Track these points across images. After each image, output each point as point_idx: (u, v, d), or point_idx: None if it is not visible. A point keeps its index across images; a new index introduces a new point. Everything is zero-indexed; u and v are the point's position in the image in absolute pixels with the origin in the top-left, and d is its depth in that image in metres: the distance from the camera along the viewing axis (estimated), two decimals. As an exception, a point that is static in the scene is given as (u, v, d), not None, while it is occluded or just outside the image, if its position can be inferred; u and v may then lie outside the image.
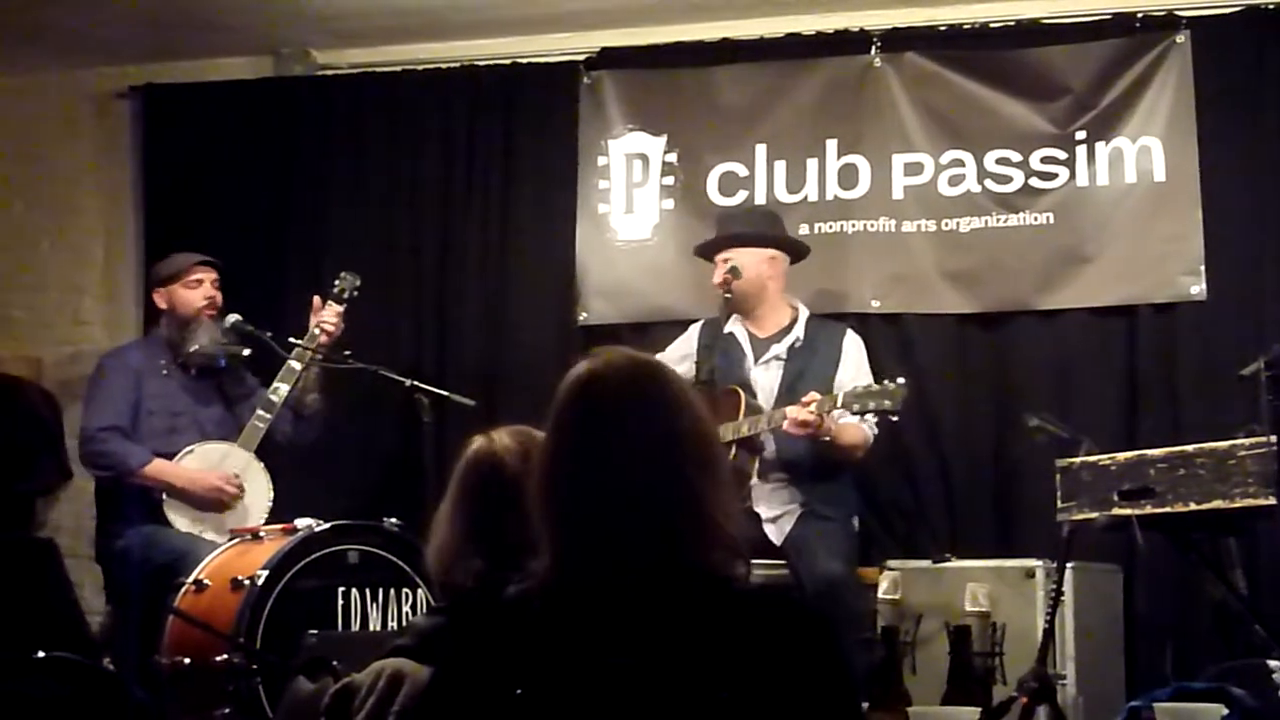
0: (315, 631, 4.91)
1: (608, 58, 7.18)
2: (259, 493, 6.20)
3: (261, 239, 7.37)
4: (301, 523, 5.56)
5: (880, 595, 5.85)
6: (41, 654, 4.36)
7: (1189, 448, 4.77)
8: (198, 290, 6.38)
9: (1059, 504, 5.04)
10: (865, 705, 4.94)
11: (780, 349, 6.19)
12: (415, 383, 6.12)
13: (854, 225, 6.80)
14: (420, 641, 3.04)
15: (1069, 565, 5.38)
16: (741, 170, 6.96)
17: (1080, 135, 6.62)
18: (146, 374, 6.29)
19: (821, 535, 5.88)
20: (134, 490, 6.08)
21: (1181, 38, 6.55)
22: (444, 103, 7.36)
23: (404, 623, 5.43)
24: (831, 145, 6.88)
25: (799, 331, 6.22)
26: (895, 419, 5.84)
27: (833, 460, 6.00)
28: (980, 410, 6.70)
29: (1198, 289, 6.44)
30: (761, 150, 6.95)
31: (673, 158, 7.06)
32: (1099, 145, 6.59)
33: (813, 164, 6.89)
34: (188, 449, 6.15)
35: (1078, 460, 5.02)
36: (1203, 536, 5.19)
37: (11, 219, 7.90)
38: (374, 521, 5.62)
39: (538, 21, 7.18)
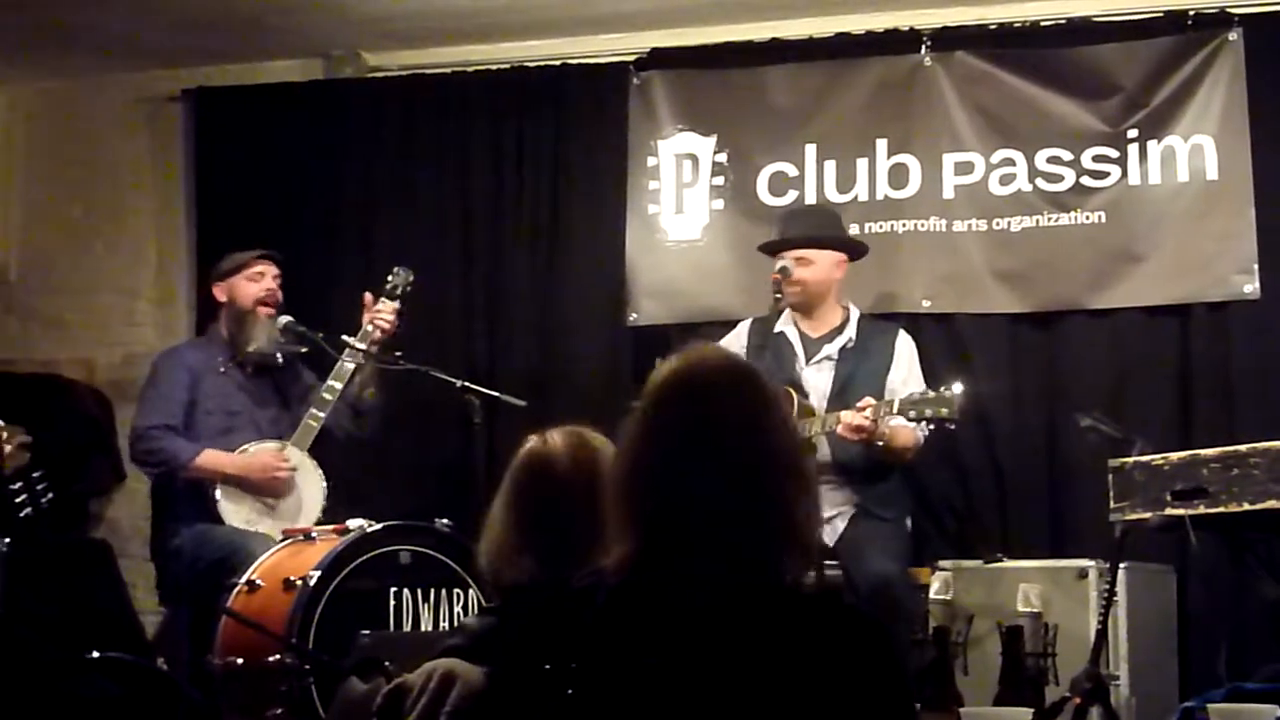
0: (367, 632, 4.92)
1: (657, 58, 7.18)
2: (313, 492, 6.20)
3: (312, 241, 7.39)
4: (354, 523, 5.58)
5: (932, 595, 5.84)
6: (96, 654, 4.39)
7: (1242, 447, 4.76)
8: (259, 283, 6.36)
9: (1112, 504, 5.03)
10: (917, 706, 4.93)
11: (832, 349, 6.18)
12: (466, 383, 6.13)
13: (904, 225, 6.78)
14: (472, 642, 3.05)
15: (1122, 565, 5.36)
16: (791, 170, 6.94)
17: (1132, 134, 6.59)
18: (203, 372, 6.29)
19: (874, 536, 5.86)
20: (187, 489, 6.09)
21: (1234, 35, 6.51)
22: (494, 104, 7.37)
23: (455, 623, 5.44)
24: (882, 145, 6.86)
25: (851, 332, 6.20)
26: (953, 427, 5.79)
27: (884, 463, 5.98)
28: (1032, 410, 6.67)
29: (1251, 287, 6.40)
30: (811, 150, 6.94)
31: (723, 158, 7.05)
32: (1151, 144, 6.56)
33: (863, 164, 6.87)
34: (242, 448, 6.16)
35: (1130, 460, 5.01)
36: (1257, 536, 5.17)
37: (66, 222, 7.95)
38: (425, 522, 5.63)
39: (587, 22, 7.18)
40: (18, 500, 4.97)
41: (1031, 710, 4.86)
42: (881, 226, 6.74)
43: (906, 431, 5.91)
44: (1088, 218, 6.61)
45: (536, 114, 7.32)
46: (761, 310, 6.22)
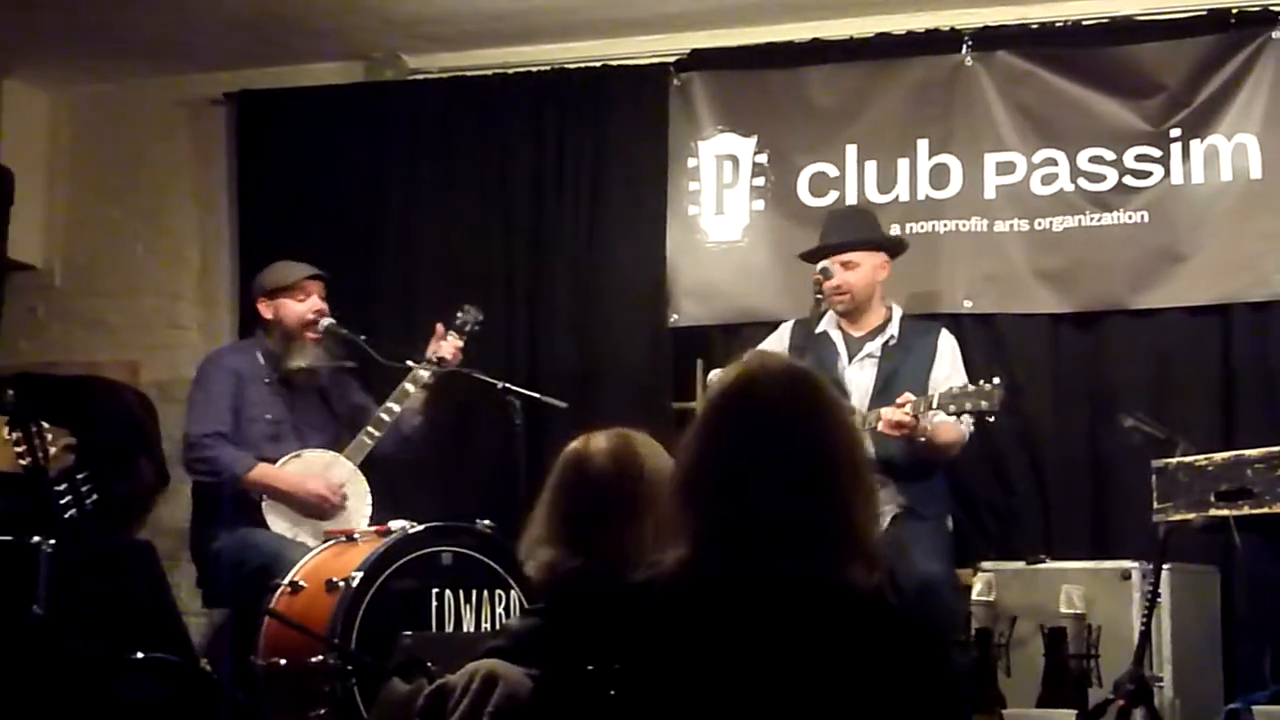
0: (410, 632, 4.93)
1: (697, 59, 7.18)
2: (359, 505, 6.22)
3: (354, 242, 7.41)
4: (395, 524, 5.59)
5: (974, 597, 5.82)
6: (140, 654, 4.41)
7: (1287, 447, 4.73)
8: (305, 303, 6.36)
9: (1155, 505, 5.01)
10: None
11: (874, 347, 6.17)
12: (507, 385, 6.14)
13: (946, 225, 6.77)
14: (514, 642, 3.06)
15: (1165, 566, 5.34)
16: (832, 171, 6.94)
17: (1175, 133, 6.56)
18: (248, 380, 6.29)
19: (918, 536, 5.85)
20: (231, 493, 6.12)
21: (1277, 34, 6.48)
22: (534, 105, 7.37)
23: (497, 624, 5.45)
24: (923, 145, 6.85)
25: (893, 330, 6.20)
26: (992, 419, 5.79)
27: (928, 459, 5.96)
28: (1074, 410, 6.65)
29: (1295, 287, 6.38)
30: (852, 151, 6.92)
31: (763, 159, 7.05)
32: (1194, 143, 6.53)
33: (904, 164, 6.86)
34: (293, 454, 6.17)
35: (1174, 461, 4.99)
36: (1302, 537, 5.15)
37: (109, 225, 7.99)
38: (467, 523, 5.64)
39: (627, 24, 7.19)
40: (62, 501, 4.99)
41: (1075, 712, 4.86)
42: (923, 227, 6.72)
43: (949, 428, 5.89)
44: (1130, 217, 6.59)
45: (577, 115, 7.33)
46: (802, 311, 6.21)
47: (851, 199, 6.84)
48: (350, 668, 5.15)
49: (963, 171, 6.78)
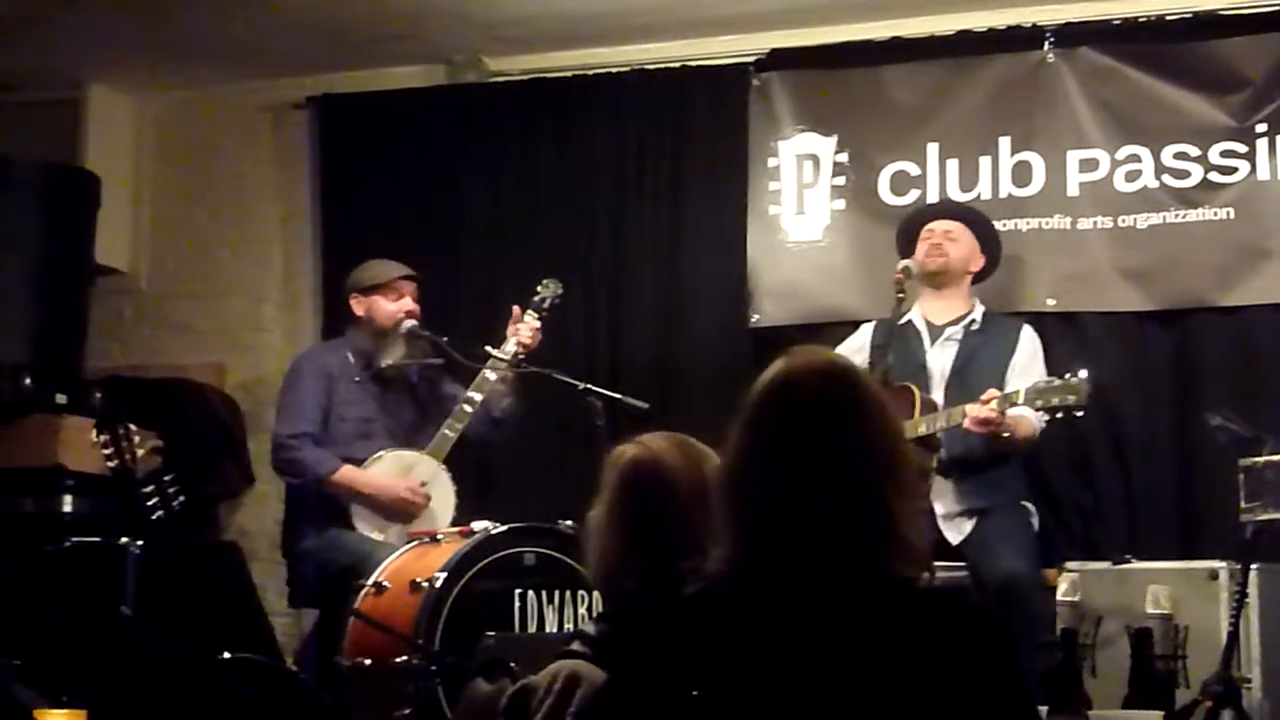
0: (493, 633, 4.95)
1: (777, 59, 7.17)
2: (444, 501, 6.25)
3: (435, 244, 7.44)
4: (478, 525, 5.61)
5: (1059, 597, 5.78)
6: (227, 654, 4.45)
7: (1376, 446, 4.68)
8: (398, 302, 6.40)
9: (1242, 504, 4.97)
10: (1045, 709, 4.90)
11: (956, 330, 6.17)
12: (588, 386, 6.15)
13: (1028, 223, 6.73)
14: (596, 644, 3.06)
15: (1254, 566, 5.29)
16: (913, 169, 6.91)
17: (1260, 128, 6.49)
18: (339, 379, 6.33)
19: (1002, 534, 5.80)
20: (320, 494, 6.16)
21: (1365, 28, 6.42)
22: (614, 107, 7.38)
23: (579, 624, 5.46)
24: (1005, 143, 6.81)
25: (976, 316, 6.21)
26: (1080, 414, 5.73)
27: (1006, 455, 5.94)
28: (1160, 409, 6.60)
29: (1383, 283, 6.31)
30: (933, 149, 6.90)
31: (843, 158, 7.03)
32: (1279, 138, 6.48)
33: (985, 162, 6.83)
34: (377, 455, 6.21)
35: (1261, 459, 4.95)
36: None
37: (195, 229, 8.05)
38: (549, 524, 5.65)
39: (707, 24, 7.18)
40: (150, 503, 5.04)
41: (1161, 714, 4.83)
42: (1005, 225, 6.67)
43: (1027, 422, 5.85)
44: (1215, 214, 6.53)
45: (657, 116, 7.33)
46: (883, 310, 6.20)
47: (933, 197, 6.81)
48: (434, 668, 5.17)
49: (1045, 169, 6.74)
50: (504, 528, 5.57)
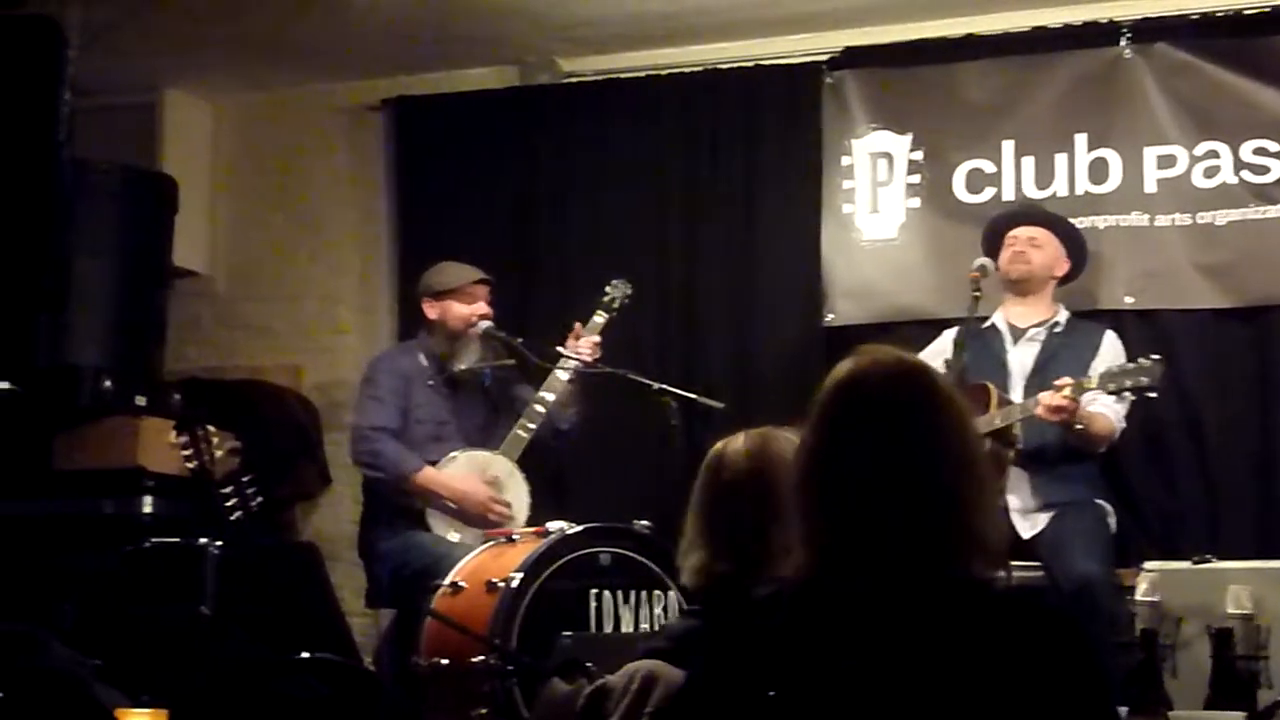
0: (569, 633, 4.96)
1: (850, 57, 7.14)
2: (519, 501, 6.27)
3: (510, 246, 7.46)
4: (554, 525, 5.62)
5: (1138, 597, 5.73)
6: (304, 654, 4.48)
7: None
8: (472, 306, 6.42)
9: (1325, 502, 4.92)
10: (1124, 710, 4.86)
11: (1039, 332, 6.19)
12: (663, 385, 6.15)
13: (1105, 220, 6.68)
14: (673, 644, 3.07)
15: (1336, 564, 5.24)
16: (989, 167, 6.88)
17: (1342, 122, 6.45)
18: (414, 382, 6.36)
19: (1076, 533, 5.79)
20: (396, 495, 6.18)
21: None
22: (688, 106, 7.38)
23: (655, 625, 5.47)
24: (1081, 139, 6.77)
25: (1060, 319, 6.22)
26: (1154, 395, 5.69)
27: (1081, 451, 5.91)
28: (1240, 406, 6.54)
29: None
30: (1009, 146, 6.86)
31: (918, 156, 7.00)
32: (1361, 132, 6.42)
33: (1061, 159, 6.79)
34: (451, 455, 6.23)
35: (1343, 457, 4.90)
36: None
37: (271, 232, 8.10)
38: (625, 524, 5.66)
39: (780, 23, 7.17)
40: (228, 504, 5.09)
41: (1243, 715, 4.78)
42: (1082, 222, 6.63)
43: (1104, 419, 5.85)
44: (1295, 210, 6.48)
45: (730, 116, 7.32)
46: (959, 309, 6.18)
47: (1009, 195, 6.78)
48: (511, 668, 5.18)
49: (1122, 166, 6.69)
50: (579, 528, 5.58)
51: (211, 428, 5.16)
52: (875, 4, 6.97)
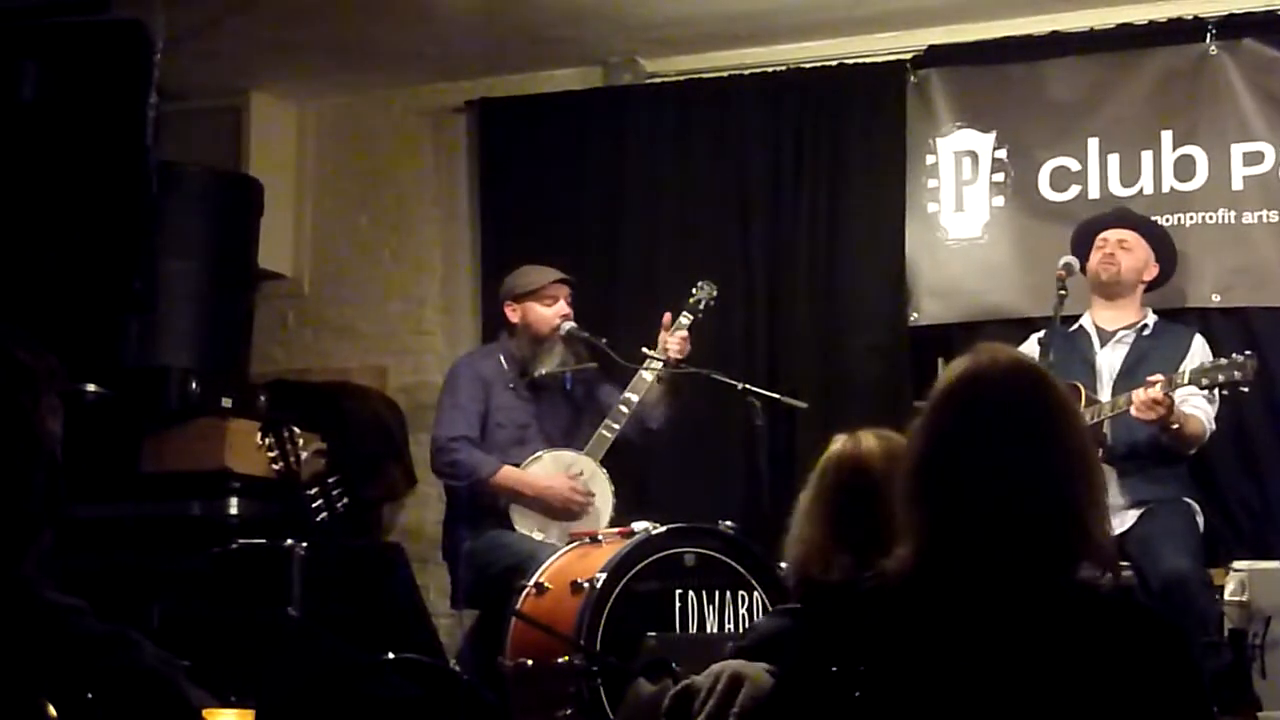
0: (654, 634, 4.96)
1: (934, 55, 7.11)
2: (603, 501, 6.28)
3: (594, 246, 7.48)
4: (638, 526, 5.62)
5: (1227, 596, 5.70)
6: (391, 655, 4.50)
7: None
8: (553, 308, 6.43)
9: None
10: (1214, 710, 4.82)
11: (1128, 334, 6.16)
12: (747, 386, 6.14)
13: (1192, 218, 6.62)
14: (761, 643, 3.06)
15: None
16: (1074, 165, 6.83)
17: None
18: (495, 385, 6.38)
19: (1167, 532, 5.76)
20: (479, 496, 6.20)
21: None
22: (772, 106, 7.37)
23: (740, 625, 5.46)
24: (1167, 137, 6.71)
25: (1148, 322, 6.19)
26: (1245, 390, 5.68)
27: (1172, 452, 5.87)
28: (1330, 405, 6.48)
29: None
30: (1094, 144, 6.81)
31: (1002, 154, 6.96)
32: None
33: (1147, 156, 6.73)
34: (536, 455, 6.25)
35: None
36: None
37: (357, 233, 8.15)
38: (709, 524, 5.66)
39: (863, 22, 7.15)
40: (314, 506, 5.11)
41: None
42: (1168, 220, 6.58)
43: (1196, 420, 5.83)
44: (1384, 205, 6.41)
45: (813, 115, 7.30)
46: (1045, 308, 6.15)
47: (1094, 194, 6.74)
48: (596, 668, 5.19)
49: (1208, 162, 6.63)
50: (664, 528, 5.58)
51: (297, 429, 5.18)
52: (959, 2, 6.94)
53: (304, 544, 5.09)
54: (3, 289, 5.10)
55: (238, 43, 7.32)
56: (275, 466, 5.10)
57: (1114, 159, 6.77)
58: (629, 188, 7.54)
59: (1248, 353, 5.60)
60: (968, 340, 6.60)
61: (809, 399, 6.42)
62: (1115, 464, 5.88)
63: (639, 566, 5.44)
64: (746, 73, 7.44)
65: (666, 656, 3.53)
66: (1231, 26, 6.67)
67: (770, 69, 7.40)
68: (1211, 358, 6.01)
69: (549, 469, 6.24)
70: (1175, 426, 5.72)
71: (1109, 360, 6.11)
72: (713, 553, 5.56)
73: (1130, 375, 5.96)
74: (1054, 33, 6.94)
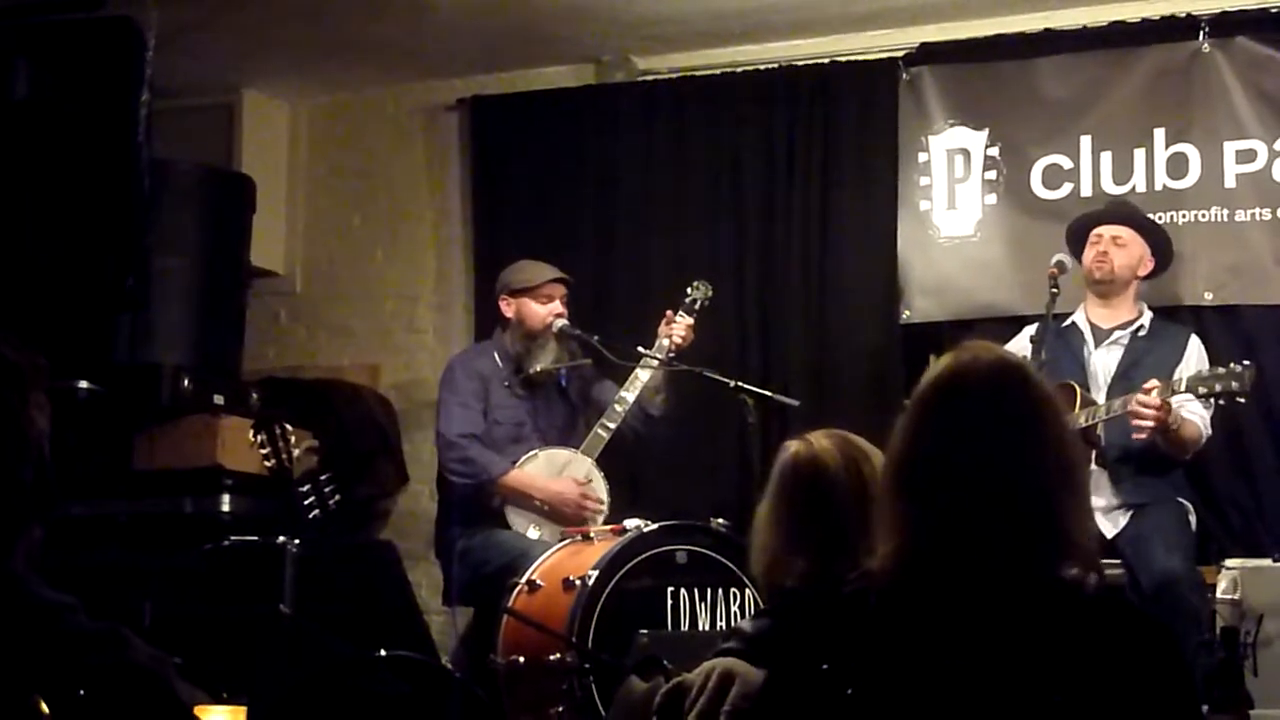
0: (646, 631, 4.96)
1: (927, 53, 7.11)
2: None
3: (586, 244, 7.48)
4: (630, 523, 5.63)
5: (1219, 595, 5.70)
6: (383, 652, 4.50)
7: None
8: (548, 305, 6.43)
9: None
10: (1205, 709, 4.82)
11: (1123, 335, 6.15)
12: (740, 383, 6.14)
13: (1185, 216, 6.62)
14: (751, 641, 3.06)
15: None
16: (1066, 162, 6.83)
17: None
18: (492, 383, 6.38)
19: (1158, 531, 5.76)
20: (472, 493, 6.20)
21: None
22: (764, 103, 7.37)
23: (732, 622, 5.46)
24: (1159, 134, 6.71)
25: (1144, 322, 6.17)
26: (1242, 401, 5.67)
27: (1166, 454, 5.87)
28: (1323, 404, 6.49)
29: None
30: (1087, 141, 6.81)
31: (995, 152, 6.96)
32: None
33: (1140, 154, 6.73)
34: (530, 454, 6.25)
35: None
36: None
37: (348, 231, 8.15)
38: (701, 522, 5.66)
39: (856, 19, 7.15)
40: (307, 503, 5.11)
41: (1325, 713, 4.73)
42: (1161, 218, 6.58)
43: (1193, 425, 5.82)
44: (1377, 203, 6.42)
45: (806, 112, 7.31)
46: (1037, 305, 6.15)
47: (1086, 191, 6.74)
48: (588, 666, 5.19)
49: (1201, 160, 6.63)
50: (656, 526, 5.59)
51: (290, 426, 5.18)
52: (951, 0, 6.94)
53: (296, 541, 5.08)
54: (-5, 286, 5.11)
55: (230, 40, 7.32)
56: (267, 464, 5.09)
57: (1106, 157, 6.78)
58: (622, 185, 7.54)
59: (1245, 363, 5.58)
60: (960, 338, 6.59)
61: (801, 396, 6.42)
62: (1109, 467, 5.88)
63: (631, 564, 5.45)
64: (739, 70, 7.44)
65: (658, 654, 3.52)
66: (1225, 24, 6.67)
67: (763, 66, 7.40)
68: (1208, 362, 6.01)
69: (543, 467, 6.23)
70: (1174, 429, 5.71)
71: (1104, 361, 6.10)
72: (705, 550, 5.57)
73: (1126, 378, 5.95)
74: (1046, 30, 6.95)
